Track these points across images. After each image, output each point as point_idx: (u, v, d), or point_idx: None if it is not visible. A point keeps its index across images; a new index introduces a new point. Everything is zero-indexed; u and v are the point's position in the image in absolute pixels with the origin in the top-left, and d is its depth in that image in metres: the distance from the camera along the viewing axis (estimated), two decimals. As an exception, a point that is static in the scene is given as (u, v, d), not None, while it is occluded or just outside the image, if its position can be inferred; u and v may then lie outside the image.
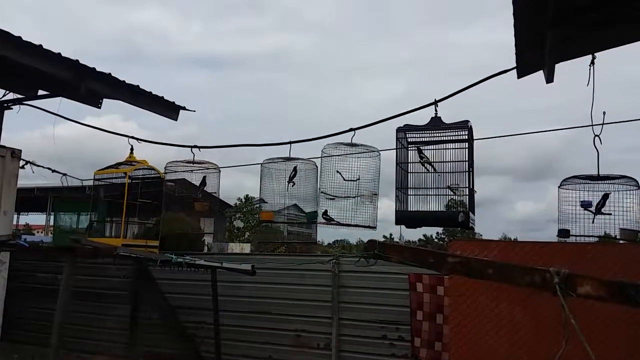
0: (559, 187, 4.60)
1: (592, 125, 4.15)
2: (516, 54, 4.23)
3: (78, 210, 7.85)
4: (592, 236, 4.47)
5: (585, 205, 4.45)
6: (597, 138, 4.21)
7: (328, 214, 4.99)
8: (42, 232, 29.90)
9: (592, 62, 4.09)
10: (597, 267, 3.49)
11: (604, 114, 4.19)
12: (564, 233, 4.48)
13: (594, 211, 4.43)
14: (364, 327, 6.80)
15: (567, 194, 4.56)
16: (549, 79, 4.30)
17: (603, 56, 4.10)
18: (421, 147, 4.59)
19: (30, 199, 22.15)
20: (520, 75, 4.56)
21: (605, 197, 4.41)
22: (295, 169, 5.33)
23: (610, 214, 4.42)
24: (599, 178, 4.42)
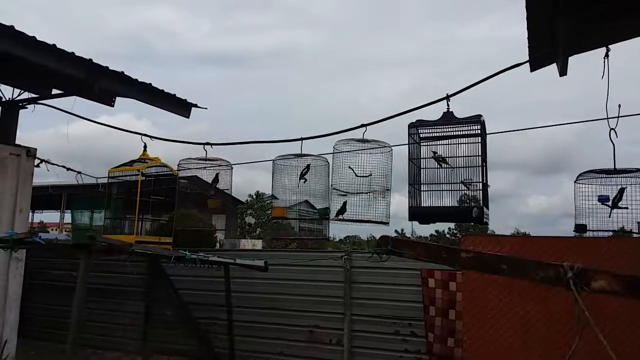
0: (575, 181, 4.56)
1: (608, 118, 4.11)
2: (529, 47, 4.19)
3: (94, 207, 7.94)
4: (608, 230, 4.43)
5: (603, 199, 4.41)
6: (612, 131, 4.16)
7: (345, 208, 4.97)
8: (56, 230, 30.27)
9: (607, 55, 4.04)
10: (612, 261, 3.45)
11: (619, 107, 4.14)
12: (580, 228, 4.44)
13: (610, 205, 4.39)
14: (376, 322, 6.80)
15: (583, 189, 4.52)
16: (562, 72, 4.26)
17: (619, 48, 4.04)
18: (434, 144, 4.57)
19: (44, 197, 22.40)
20: (533, 68, 4.53)
21: (622, 191, 4.37)
22: (308, 166, 5.33)
23: (627, 208, 4.37)
24: (615, 172, 4.37)
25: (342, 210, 4.98)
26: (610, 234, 4.47)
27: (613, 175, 4.44)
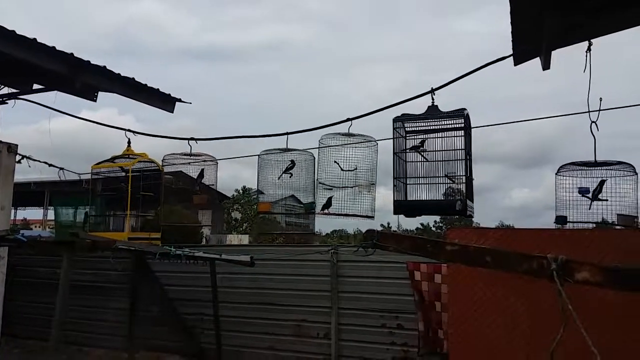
0: (556, 173, 4.60)
1: (589, 111, 4.15)
2: (513, 41, 4.22)
3: (77, 204, 7.84)
4: (589, 222, 4.49)
5: (583, 191, 4.46)
6: (594, 124, 4.21)
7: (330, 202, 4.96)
8: (39, 227, 29.87)
9: (589, 49, 4.08)
10: (595, 253, 3.49)
11: (601, 100, 4.19)
12: (561, 220, 4.49)
13: (590, 197, 4.44)
14: (363, 316, 6.84)
15: (564, 181, 4.57)
16: (546, 65, 4.30)
17: (602, 41, 4.09)
18: (418, 138, 4.58)
19: (27, 194, 22.09)
20: (517, 62, 4.56)
21: (602, 183, 4.42)
22: (292, 162, 5.31)
23: (607, 200, 4.43)
24: (595, 164, 4.43)
25: (328, 204, 4.98)
26: (592, 225, 4.54)
27: (594, 168, 4.50)
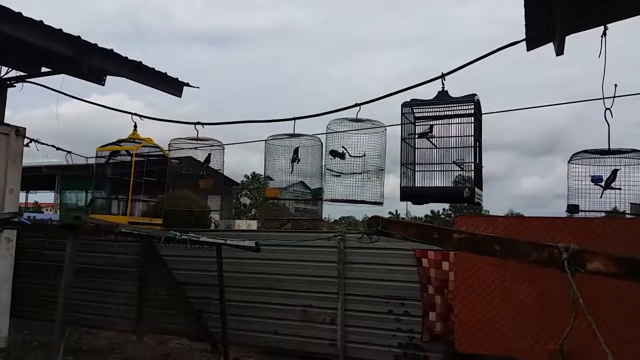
0: (568, 162, 4.52)
1: (603, 98, 4.05)
2: (526, 26, 4.12)
3: (84, 187, 7.86)
4: (601, 211, 4.41)
5: (596, 179, 4.38)
6: (608, 111, 4.11)
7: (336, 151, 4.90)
8: (51, 210, 30.16)
9: (604, 33, 3.97)
10: (606, 242, 3.44)
11: (616, 87, 4.09)
12: (573, 208, 4.42)
13: (603, 186, 4.36)
14: (369, 302, 6.83)
15: (577, 169, 4.49)
16: (559, 51, 4.19)
17: (615, 28, 3.97)
18: (427, 124, 4.51)
19: (39, 177, 22.24)
20: (529, 47, 4.46)
21: (615, 172, 4.34)
22: (296, 150, 5.24)
23: (620, 189, 4.34)
24: (609, 152, 4.34)
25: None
26: (603, 214, 4.46)
27: (607, 156, 4.41)
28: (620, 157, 4.38)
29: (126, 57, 6.75)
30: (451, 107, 4.38)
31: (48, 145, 7.55)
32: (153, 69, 7.13)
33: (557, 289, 3.33)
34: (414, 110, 4.59)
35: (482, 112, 4.48)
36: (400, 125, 4.53)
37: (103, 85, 7.62)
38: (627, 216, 4.42)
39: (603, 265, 2.01)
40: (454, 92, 4.42)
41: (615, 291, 3.29)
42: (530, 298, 3.82)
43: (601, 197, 4.42)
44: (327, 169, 5.05)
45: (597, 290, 2.81)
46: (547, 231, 3.69)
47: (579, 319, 2.14)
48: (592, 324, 1.97)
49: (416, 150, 4.53)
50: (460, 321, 4.21)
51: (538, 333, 3.75)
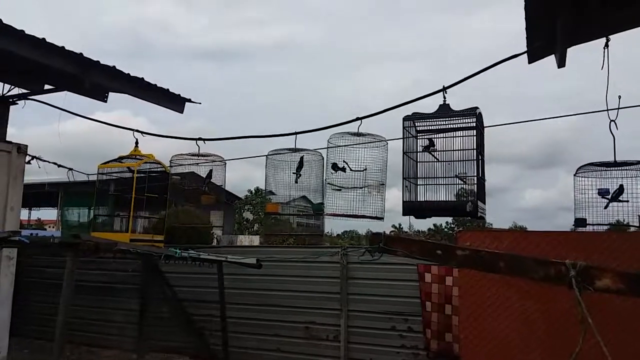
0: (574, 174, 4.47)
1: (607, 109, 4.01)
2: (527, 38, 4.09)
3: (86, 204, 7.83)
4: (608, 224, 4.35)
5: (603, 192, 4.32)
6: (612, 123, 4.07)
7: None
8: (53, 227, 30.11)
9: (607, 45, 3.94)
10: (613, 257, 3.37)
11: (619, 98, 4.04)
12: (580, 222, 4.35)
13: (609, 199, 4.30)
14: (373, 318, 6.74)
15: (583, 182, 4.43)
16: (561, 63, 4.16)
17: (619, 39, 3.94)
18: (428, 137, 4.46)
19: (41, 194, 22.25)
20: (531, 60, 4.43)
21: (621, 187, 4.28)
22: (301, 159, 5.22)
23: (627, 201, 4.28)
24: (615, 164, 4.28)
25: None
26: (607, 227, 4.40)
27: (613, 168, 4.36)
28: (626, 170, 4.32)
29: (128, 74, 6.77)
30: (453, 120, 4.34)
31: (50, 162, 7.55)
32: (155, 85, 7.15)
33: (565, 305, 3.25)
34: (416, 124, 4.55)
35: (485, 125, 4.44)
36: (402, 139, 4.48)
37: (105, 101, 7.63)
38: (632, 229, 4.36)
39: (612, 283, 1.95)
40: (457, 105, 4.38)
41: (624, 306, 3.22)
42: (537, 314, 3.74)
43: (605, 208, 4.36)
44: (329, 183, 5.00)
45: (605, 305, 2.74)
46: (552, 246, 3.62)
47: (588, 336, 2.08)
48: (601, 344, 1.90)
49: (418, 164, 4.48)
50: (464, 337, 4.12)
51: (546, 350, 3.66)
